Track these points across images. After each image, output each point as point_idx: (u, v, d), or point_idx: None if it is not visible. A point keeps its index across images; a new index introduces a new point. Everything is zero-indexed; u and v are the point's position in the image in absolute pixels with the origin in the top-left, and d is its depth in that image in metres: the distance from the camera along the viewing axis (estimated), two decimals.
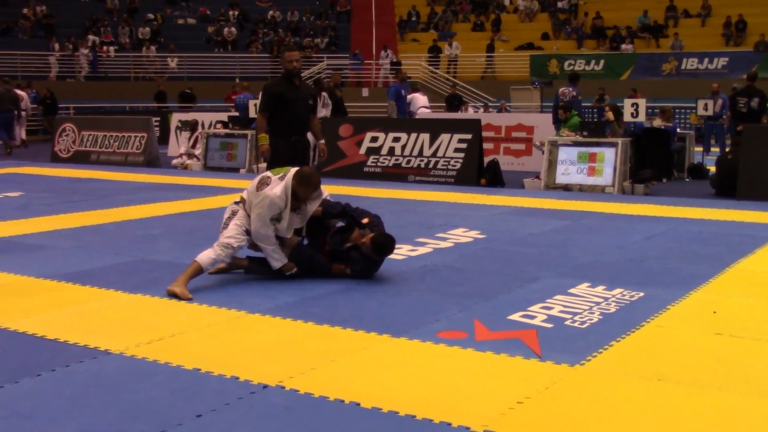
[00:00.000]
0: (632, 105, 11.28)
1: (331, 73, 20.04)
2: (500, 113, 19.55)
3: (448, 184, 11.86)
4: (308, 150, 7.85)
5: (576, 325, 4.46)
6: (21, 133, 20.55)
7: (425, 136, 12.44)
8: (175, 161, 15.40)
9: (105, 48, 29.80)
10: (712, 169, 11.88)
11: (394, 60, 29.00)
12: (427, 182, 12.02)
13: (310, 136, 7.71)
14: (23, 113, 20.51)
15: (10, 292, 5.26)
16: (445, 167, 12.10)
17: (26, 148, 19.78)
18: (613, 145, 10.91)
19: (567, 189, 10.97)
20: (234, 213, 5.42)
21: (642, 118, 11.45)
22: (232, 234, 5.29)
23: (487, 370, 3.75)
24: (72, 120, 17.34)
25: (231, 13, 33.14)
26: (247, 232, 5.35)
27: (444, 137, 12.24)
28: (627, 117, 11.43)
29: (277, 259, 5.43)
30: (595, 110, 18.52)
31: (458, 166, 11.99)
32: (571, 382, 3.60)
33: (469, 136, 12.04)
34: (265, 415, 3.22)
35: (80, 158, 15.84)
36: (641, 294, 5.15)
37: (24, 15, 30.31)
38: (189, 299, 4.97)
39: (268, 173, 5.46)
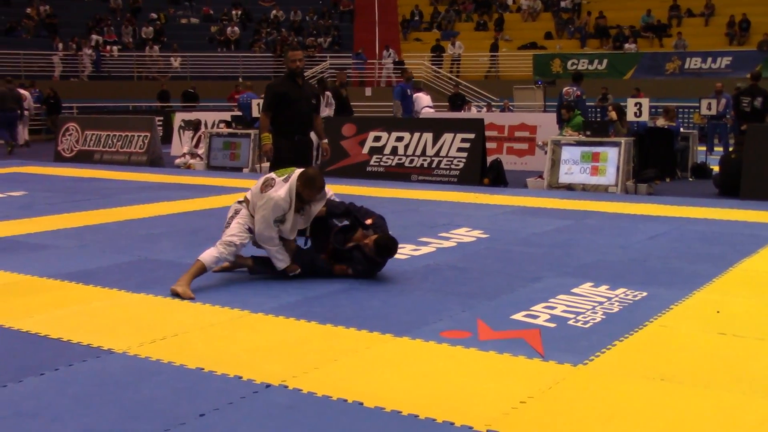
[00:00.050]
0: (635, 104, 11.28)
1: (336, 73, 20.00)
2: (503, 113, 19.52)
3: (451, 183, 11.85)
4: (311, 149, 7.85)
5: (579, 324, 4.46)
6: (24, 132, 20.58)
7: (428, 136, 12.43)
8: (178, 161, 15.41)
9: (108, 47, 29.83)
10: (716, 168, 11.85)
11: (397, 59, 29.01)
12: (430, 182, 12.01)
13: (313, 135, 7.71)
14: (26, 113, 20.54)
15: (13, 291, 5.26)
16: (448, 167, 12.09)
17: (29, 148, 19.80)
18: (617, 144, 10.89)
19: (570, 188, 10.96)
20: (237, 212, 5.43)
21: (645, 117, 11.45)
22: (234, 232, 5.30)
23: (490, 370, 3.74)
24: (75, 119, 17.35)
25: (234, 12, 33.15)
26: (250, 230, 5.35)
27: (447, 137, 12.23)
28: (630, 116, 11.43)
29: (281, 260, 5.43)
30: (598, 110, 18.53)
31: (461, 165, 11.98)
32: (574, 382, 3.60)
33: (472, 136, 12.03)
34: (268, 415, 3.22)
35: (83, 158, 15.85)
36: (644, 294, 5.14)
37: (27, 14, 30.33)
38: (192, 299, 4.97)
39: (272, 175, 5.45)
